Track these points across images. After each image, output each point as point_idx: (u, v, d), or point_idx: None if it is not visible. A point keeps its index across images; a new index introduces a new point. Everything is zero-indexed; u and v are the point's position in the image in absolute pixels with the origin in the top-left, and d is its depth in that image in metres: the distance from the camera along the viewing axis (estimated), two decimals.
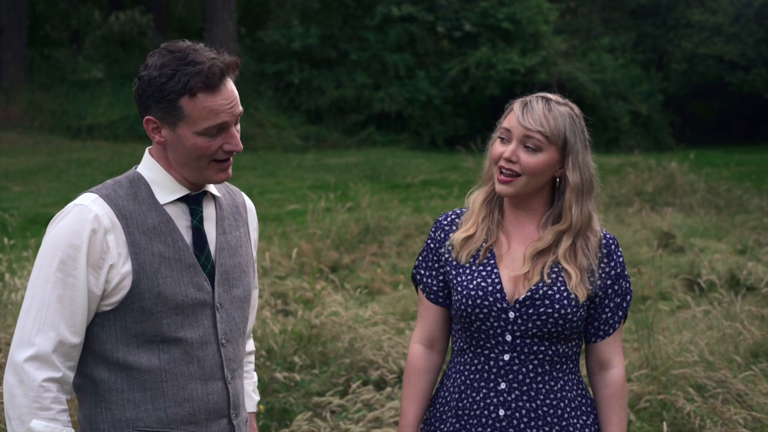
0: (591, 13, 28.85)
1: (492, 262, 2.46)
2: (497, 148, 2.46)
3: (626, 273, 2.51)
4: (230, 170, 2.27)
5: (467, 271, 2.46)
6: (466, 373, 2.47)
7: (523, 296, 2.40)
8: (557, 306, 2.39)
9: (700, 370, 4.78)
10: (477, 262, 2.46)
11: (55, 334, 2.12)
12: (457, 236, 2.49)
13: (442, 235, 2.54)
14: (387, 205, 11.27)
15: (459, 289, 2.45)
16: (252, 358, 2.59)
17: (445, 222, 2.56)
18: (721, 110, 29.16)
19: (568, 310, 2.39)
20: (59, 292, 2.13)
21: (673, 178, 13.26)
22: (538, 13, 23.66)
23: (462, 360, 2.49)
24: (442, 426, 2.49)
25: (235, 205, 2.42)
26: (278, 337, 5.48)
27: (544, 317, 2.39)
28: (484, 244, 2.47)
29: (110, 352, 2.19)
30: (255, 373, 2.61)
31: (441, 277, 2.52)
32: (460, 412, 2.46)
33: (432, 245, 2.55)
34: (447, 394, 2.51)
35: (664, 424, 4.13)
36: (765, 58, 25.84)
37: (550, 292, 2.40)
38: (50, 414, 2.11)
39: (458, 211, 2.57)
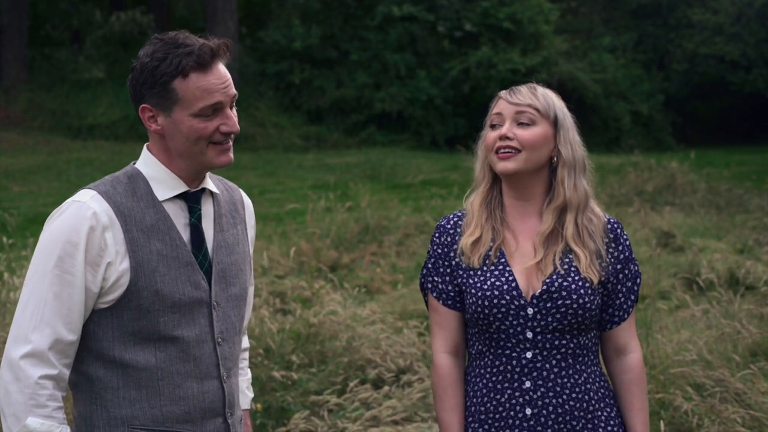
0: (592, 13, 28.84)
1: (503, 260, 2.44)
2: (491, 135, 2.47)
3: (633, 256, 2.50)
4: (231, 153, 2.25)
5: (479, 273, 2.43)
6: (487, 375, 2.43)
7: (540, 291, 2.38)
8: (575, 296, 2.37)
9: (698, 369, 4.78)
10: (489, 262, 2.43)
11: (51, 331, 2.11)
12: (465, 241, 2.46)
13: (449, 239, 2.51)
14: (387, 204, 11.28)
15: (473, 291, 2.42)
16: (246, 354, 2.59)
17: (449, 226, 2.53)
18: (722, 110, 29.14)
19: (586, 299, 2.38)
20: (56, 289, 2.12)
21: (674, 177, 13.26)
22: (539, 12, 23.64)
23: (482, 363, 2.45)
24: None
25: (233, 203, 2.41)
26: (276, 335, 5.48)
27: (563, 309, 2.37)
28: (492, 244, 2.45)
29: (106, 350, 2.18)
30: (249, 370, 2.60)
31: (456, 281, 2.48)
32: (483, 417, 2.42)
33: (440, 251, 2.51)
34: (467, 399, 2.47)
35: (662, 423, 4.13)
36: (766, 57, 25.82)
37: (565, 283, 2.38)
38: (46, 411, 2.10)
39: (459, 214, 2.55)
